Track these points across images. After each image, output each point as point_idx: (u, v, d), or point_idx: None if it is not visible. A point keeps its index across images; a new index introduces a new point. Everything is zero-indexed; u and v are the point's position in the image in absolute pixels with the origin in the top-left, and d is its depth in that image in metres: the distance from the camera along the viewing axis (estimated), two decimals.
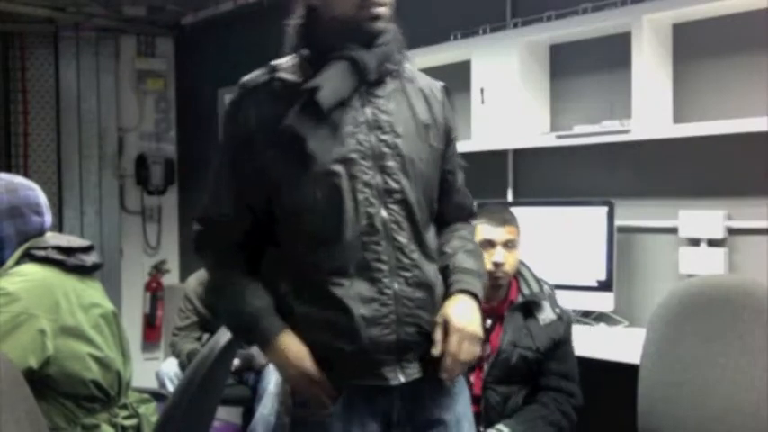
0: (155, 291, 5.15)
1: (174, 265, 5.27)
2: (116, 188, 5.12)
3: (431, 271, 1.53)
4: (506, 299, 2.27)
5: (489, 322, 2.24)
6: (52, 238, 2.02)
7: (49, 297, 1.89)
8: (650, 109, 2.65)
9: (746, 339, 2.01)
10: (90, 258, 2.05)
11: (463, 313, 1.50)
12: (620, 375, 2.29)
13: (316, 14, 1.53)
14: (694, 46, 2.71)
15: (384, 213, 1.47)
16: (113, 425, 2.03)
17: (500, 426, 2.15)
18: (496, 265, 2.20)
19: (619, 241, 2.81)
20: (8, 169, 4.82)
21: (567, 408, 2.24)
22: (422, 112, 1.55)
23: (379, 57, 1.48)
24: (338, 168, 1.45)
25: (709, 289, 2.12)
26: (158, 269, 5.19)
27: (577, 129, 2.89)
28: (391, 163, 1.48)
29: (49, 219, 2.05)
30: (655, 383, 2.10)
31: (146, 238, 5.23)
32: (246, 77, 1.55)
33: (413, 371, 1.50)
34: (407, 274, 1.49)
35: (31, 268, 1.92)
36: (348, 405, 1.50)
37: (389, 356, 1.48)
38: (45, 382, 1.87)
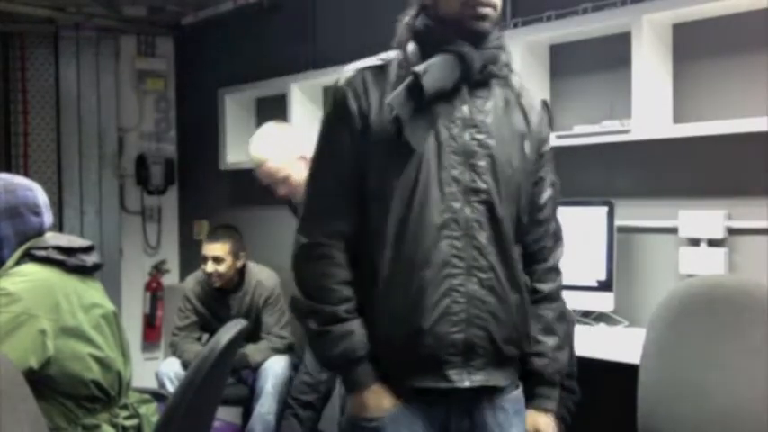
0: (155, 291, 5.15)
1: (174, 265, 5.27)
2: (116, 188, 5.11)
3: (508, 278, 1.52)
4: None
5: None
6: (53, 238, 2.02)
7: (50, 297, 1.89)
8: (650, 109, 2.65)
9: (746, 339, 2.01)
10: (90, 258, 2.05)
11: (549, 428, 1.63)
12: (620, 375, 2.29)
13: (426, 13, 1.54)
14: (694, 46, 2.71)
15: (467, 211, 1.48)
16: (114, 425, 2.03)
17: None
18: None
19: (619, 241, 2.81)
20: (8, 169, 4.82)
21: (570, 404, 2.29)
22: (519, 121, 1.57)
23: (485, 57, 1.51)
24: (430, 158, 1.47)
25: (709, 289, 2.12)
26: (158, 269, 5.19)
27: (577, 129, 2.89)
28: (481, 162, 1.50)
29: (48, 219, 2.05)
30: (655, 383, 2.10)
31: (146, 238, 5.23)
32: (357, 63, 1.56)
33: (479, 378, 1.50)
34: (483, 275, 1.49)
35: (31, 268, 1.92)
36: (402, 411, 1.50)
37: (456, 357, 1.48)
38: (46, 383, 1.87)
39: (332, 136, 1.55)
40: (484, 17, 1.48)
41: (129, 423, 2.08)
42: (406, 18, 1.57)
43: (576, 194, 2.99)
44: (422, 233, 1.46)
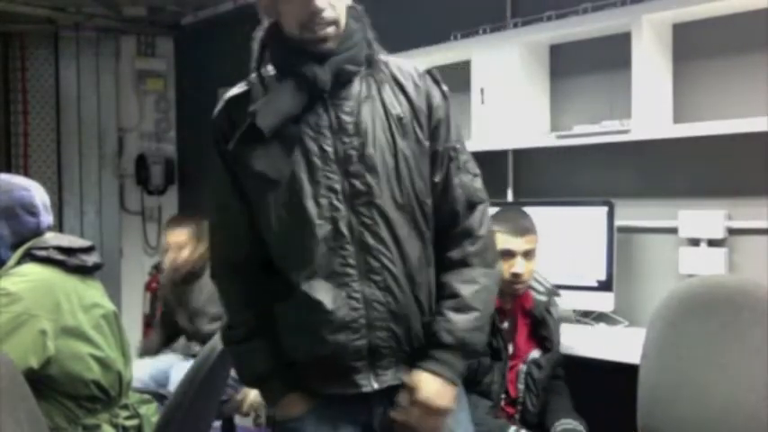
0: (155, 291, 5.14)
1: None
2: (116, 188, 5.12)
3: (405, 275, 1.50)
4: (518, 299, 2.28)
5: (507, 324, 2.27)
6: (53, 238, 2.02)
7: (51, 297, 1.89)
8: (650, 109, 2.65)
9: (746, 339, 2.01)
10: (91, 258, 2.06)
11: (433, 387, 1.50)
12: (620, 375, 2.29)
13: (276, 30, 1.55)
14: (694, 46, 2.71)
15: (352, 217, 1.47)
16: (114, 425, 2.03)
17: (569, 420, 2.23)
18: (516, 275, 2.20)
19: (619, 241, 2.81)
20: (8, 169, 4.82)
21: (568, 390, 2.38)
22: (394, 105, 1.52)
23: (334, 66, 1.48)
24: (300, 177, 1.47)
25: (709, 289, 2.12)
26: (158, 269, 5.19)
27: (577, 129, 2.89)
28: (357, 165, 1.48)
29: (46, 219, 2.05)
30: (655, 383, 2.10)
31: (146, 238, 5.23)
32: (226, 93, 1.60)
33: (387, 377, 1.51)
34: (377, 277, 1.48)
35: (32, 268, 1.92)
36: (322, 410, 1.54)
37: (361, 362, 1.49)
38: (46, 383, 1.88)
39: (214, 173, 1.61)
40: (324, 39, 1.47)
41: (129, 423, 2.08)
42: (260, 34, 1.59)
43: (576, 194, 2.99)
44: (309, 250, 1.47)
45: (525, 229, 2.24)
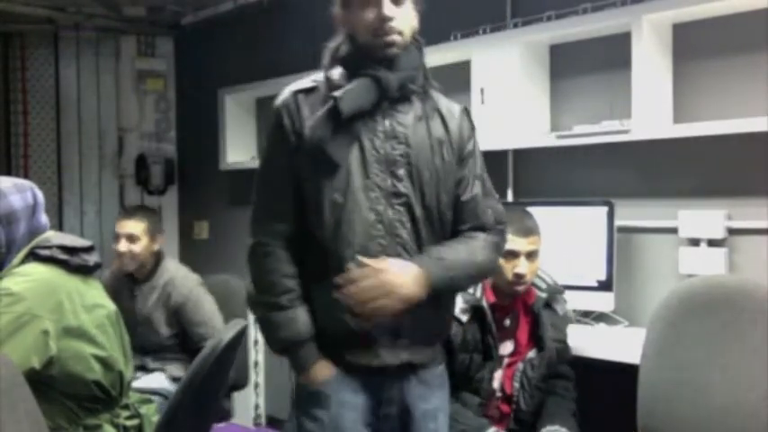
0: None
1: None
2: (116, 188, 5.12)
3: None
4: (522, 296, 2.28)
5: (508, 322, 2.27)
6: (56, 237, 2.01)
7: (53, 297, 1.89)
8: (650, 109, 2.65)
9: (746, 339, 2.01)
10: (92, 258, 2.05)
11: (397, 266, 1.65)
12: (620, 375, 2.30)
13: (350, 40, 1.74)
14: (694, 46, 2.72)
15: (390, 212, 1.69)
16: (115, 425, 2.03)
17: (556, 427, 2.21)
18: (518, 276, 2.20)
19: (619, 241, 2.81)
20: (8, 169, 4.83)
21: (574, 393, 2.37)
22: (437, 129, 1.76)
23: (401, 78, 1.70)
24: (354, 169, 1.67)
25: (709, 289, 2.12)
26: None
27: (577, 129, 2.89)
28: (401, 170, 1.70)
29: (21, 227, 1.96)
30: (655, 383, 2.10)
31: None
32: (291, 86, 1.76)
33: (405, 356, 1.73)
34: None
35: (35, 268, 1.91)
36: (343, 377, 1.73)
37: (385, 338, 1.70)
38: (47, 383, 1.87)
39: (271, 151, 1.78)
40: (391, 45, 1.67)
41: (130, 423, 2.08)
42: (332, 44, 1.77)
43: (576, 194, 2.99)
44: (352, 234, 1.67)
45: (529, 229, 2.24)
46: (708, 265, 2.60)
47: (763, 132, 2.42)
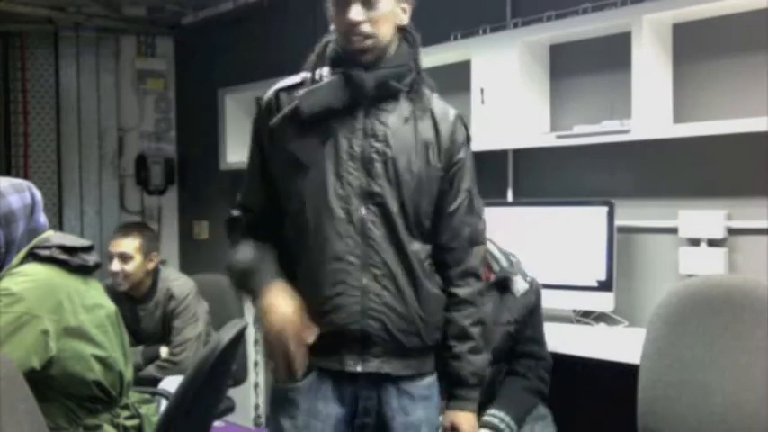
0: None
1: (173, 265, 5.26)
2: (116, 188, 5.12)
3: (404, 273, 1.66)
4: None
5: None
6: (55, 237, 2.01)
7: (53, 297, 1.89)
8: (650, 109, 2.65)
9: (746, 339, 2.01)
10: (92, 258, 2.05)
11: (469, 423, 1.77)
12: (620, 375, 2.29)
13: (337, 38, 1.71)
14: (694, 46, 2.72)
15: (362, 211, 1.64)
16: (115, 425, 2.03)
17: (494, 411, 2.18)
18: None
19: (619, 241, 2.81)
20: (8, 169, 4.83)
21: (542, 372, 2.31)
22: (426, 130, 1.70)
23: (380, 76, 1.66)
24: (327, 167, 1.64)
25: (709, 289, 2.12)
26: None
27: (577, 129, 2.89)
28: (377, 168, 1.65)
29: (20, 227, 1.97)
30: (655, 383, 2.10)
31: None
32: (278, 83, 1.76)
33: (373, 365, 1.66)
34: (377, 271, 1.64)
35: (34, 268, 1.91)
36: (316, 384, 1.67)
37: (353, 345, 1.64)
38: (47, 383, 1.87)
39: (251, 145, 1.81)
40: (362, 51, 1.64)
41: (130, 423, 2.08)
42: (322, 42, 1.74)
43: (576, 194, 2.99)
44: (319, 233, 1.64)
45: None
46: (708, 265, 2.60)
47: (763, 132, 2.42)
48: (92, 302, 2.00)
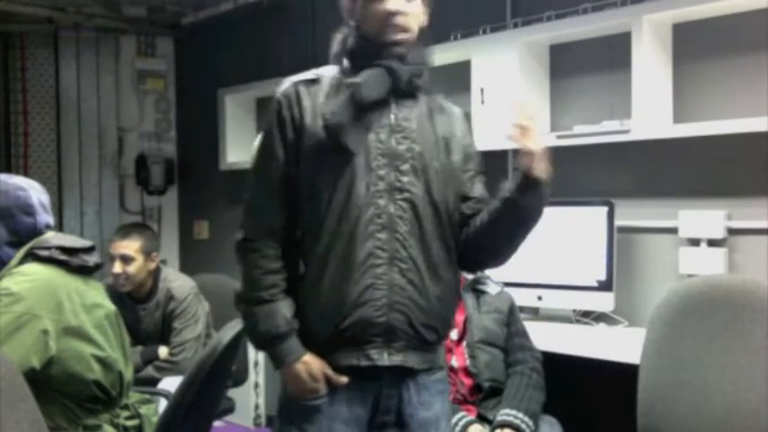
0: None
1: (174, 265, 5.26)
2: (116, 188, 5.12)
3: (428, 270, 1.66)
4: None
5: None
6: (55, 237, 2.01)
7: (53, 297, 1.89)
8: (650, 109, 2.65)
9: (746, 339, 2.01)
10: (92, 259, 2.05)
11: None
12: (620, 375, 2.29)
13: (357, 32, 1.71)
14: (694, 46, 2.71)
15: (391, 207, 1.64)
16: (115, 425, 2.03)
17: (509, 411, 2.21)
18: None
19: (619, 241, 2.81)
20: (8, 169, 4.82)
21: (536, 364, 2.37)
22: (442, 125, 1.74)
23: (411, 71, 1.68)
24: (358, 161, 1.63)
25: (709, 289, 2.12)
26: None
27: (577, 129, 2.89)
28: (406, 164, 1.66)
29: (44, 218, 2.03)
30: (655, 383, 2.10)
31: None
32: (292, 77, 1.73)
33: (398, 358, 1.65)
34: (403, 266, 1.63)
35: (34, 268, 1.92)
36: (338, 390, 1.65)
37: (378, 338, 1.63)
38: (47, 383, 1.87)
39: (268, 142, 1.71)
40: (397, 43, 1.65)
41: (130, 423, 2.08)
42: (340, 35, 1.74)
43: (576, 194, 2.99)
44: (349, 227, 1.61)
45: None
46: (708, 265, 2.60)
47: (763, 132, 2.42)
48: (92, 302, 2.00)
